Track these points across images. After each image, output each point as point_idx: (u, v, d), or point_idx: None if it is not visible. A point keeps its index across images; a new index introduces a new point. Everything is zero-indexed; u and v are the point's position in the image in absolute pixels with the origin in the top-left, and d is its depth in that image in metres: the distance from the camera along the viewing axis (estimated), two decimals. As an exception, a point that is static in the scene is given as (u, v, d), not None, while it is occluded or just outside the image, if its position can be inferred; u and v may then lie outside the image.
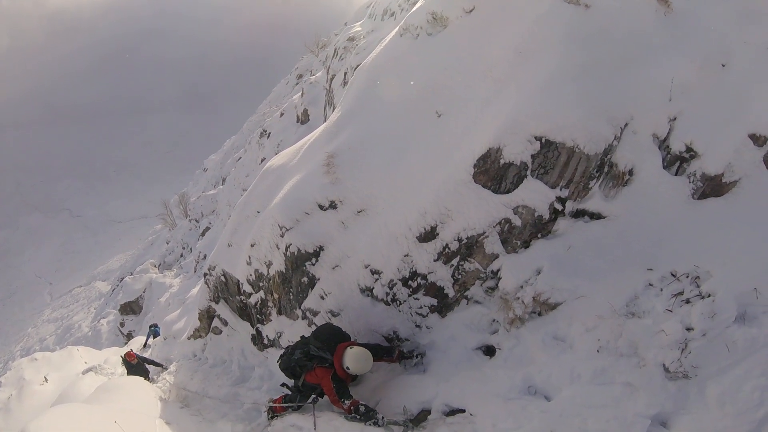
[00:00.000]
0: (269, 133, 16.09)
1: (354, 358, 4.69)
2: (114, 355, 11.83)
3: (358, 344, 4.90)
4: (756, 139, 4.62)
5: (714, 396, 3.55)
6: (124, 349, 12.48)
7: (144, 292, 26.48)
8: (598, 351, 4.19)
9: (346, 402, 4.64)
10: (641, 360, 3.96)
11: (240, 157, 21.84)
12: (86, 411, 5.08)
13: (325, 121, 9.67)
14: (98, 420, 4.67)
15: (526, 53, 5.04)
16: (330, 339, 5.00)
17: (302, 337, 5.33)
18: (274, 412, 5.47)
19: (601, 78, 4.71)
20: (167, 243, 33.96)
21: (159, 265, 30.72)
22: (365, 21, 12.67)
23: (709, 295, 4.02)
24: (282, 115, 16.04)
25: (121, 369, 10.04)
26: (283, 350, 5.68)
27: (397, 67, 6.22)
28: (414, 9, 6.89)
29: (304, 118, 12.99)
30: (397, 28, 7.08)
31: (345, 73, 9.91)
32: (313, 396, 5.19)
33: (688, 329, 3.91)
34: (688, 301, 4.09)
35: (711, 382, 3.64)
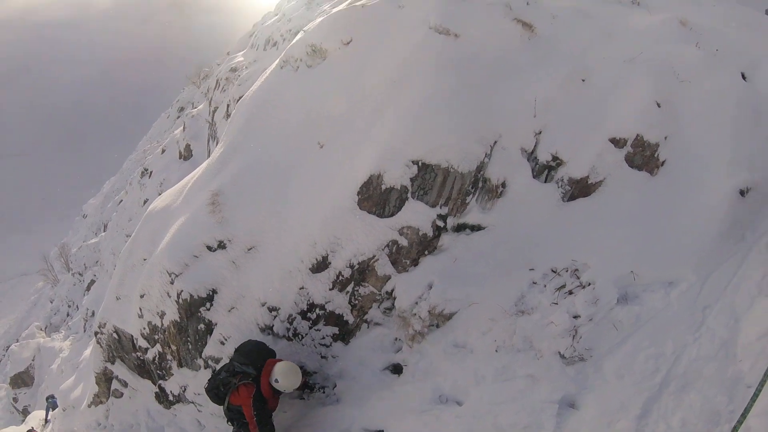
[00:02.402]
0: (151, 172, 15.06)
1: (284, 372, 4.50)
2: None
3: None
4: (616, 143, 5.20)
5: (611, 371, 3.95)
6: (23, 429, 10.85)
7: (33, 360, 23.43)
8: (496, 351, 4.50)
9: None
10: (537, 352, 4.31)
11: (121, 200, 20.16)
12: None
13: (209, 155, 9.32)
14: None
15: (400, 82, 5.31)
16: (253, 353, 4.74)
17: (230, 358, 5.01)
18: None
19: (470, 101, 5.10)
20: (51, 302, 30.21)
21: (46, 328, 27.21)
22: (247, 51, 12.52)
23: (589, 284, 4.51)
24: (163, 151, 15.13)
25: None
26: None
27: (278, 99, 6.22)
28: (294, 41, 6.98)
29: (186, 154, 12.35)
30: (278, 60, 7.10)
31: (228, 105, 9.67)
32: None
33: (575, 317, 4.35)
34: (571, 293, 4.55)
35: (606, 360, 4.04)
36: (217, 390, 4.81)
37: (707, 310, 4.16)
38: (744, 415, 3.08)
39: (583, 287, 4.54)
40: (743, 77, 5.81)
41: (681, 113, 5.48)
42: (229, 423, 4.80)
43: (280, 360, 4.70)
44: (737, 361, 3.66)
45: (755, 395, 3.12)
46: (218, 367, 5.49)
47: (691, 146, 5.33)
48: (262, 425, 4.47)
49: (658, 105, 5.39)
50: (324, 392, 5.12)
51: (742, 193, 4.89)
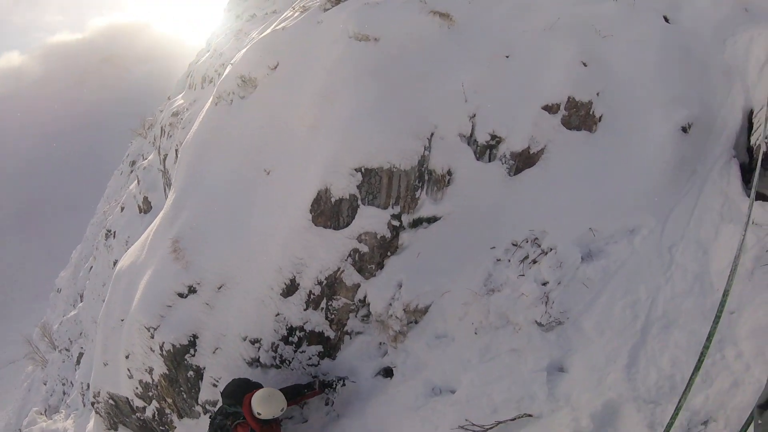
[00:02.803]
0: (114, 232, 14.75)
1: (260, 401, 4.36)
2: None
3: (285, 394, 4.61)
4: (550, 109, 5.32)
5: (591, 328, 4.01)
6: None
7: None
8: (476, 333, 4.58)
9: None
10: (515, 326, 4.40)
11: (91, 267, 19.66)
12: None
13: (167, 204, 9.25)
14: None
15: (329, 95, 5.40)
16: (236, 392, 4.64)
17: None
18: None
19: (400, 100, 5.19)
20: (45, 384, 29.05)
21: (45, 411, 26.16)
22: (186, 92, 12.43)
23: (551, 249, 4.63)
24: (123, 209, 14.86)
25: None
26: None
27: (218, 136, 6.25)
28: (223, 76, 7.02)
29: (146, 207, 12.19)
30: (211, 97, 7.12)
31: (176, 150, 9.59)
32: None
33: (543, 284, 4.46)
34: (535, 261, 4.67)
35: (584, 318, 4.11)
36: None
37: (673, 248, 4.26)
38: (709, 339, 3.13)
39: (546, 253, 4.66)
40: (666, 20, 6.01)
41: (609, 67, 5.64)
42: None
43: (253, 393, 4.58)
44: (714, 290, 3.77)
45: (716, 319, 3.16)
46: (214, 411, 5.49)
47: (625, 96, 5.48)
48: None
49: (584, 64, 5.57)
50: (344, 384, 5.05)
51: (684, 129, 5.04)
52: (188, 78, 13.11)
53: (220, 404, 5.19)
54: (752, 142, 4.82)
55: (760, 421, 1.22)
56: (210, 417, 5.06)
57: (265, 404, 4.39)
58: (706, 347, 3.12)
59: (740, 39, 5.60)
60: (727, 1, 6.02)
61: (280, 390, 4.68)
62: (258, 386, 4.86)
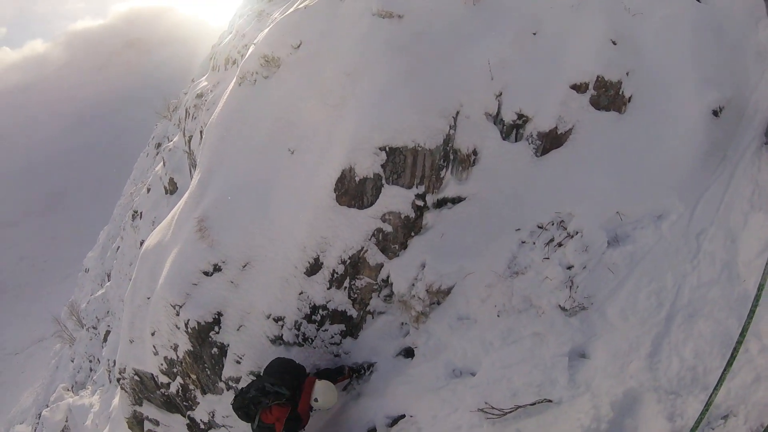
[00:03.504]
0: (141, 213, 15.02)
1: (325, 391, 4.53)
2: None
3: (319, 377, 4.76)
4: (578, 88, 5.22)
5: (615, 314, 3.94)
6: None
7: (66, 421, 23.25)
8: (498, 316, 4.55)
9: None
10: (538, 309, 4.36)
11: (118, 247, 20.12)
12: None
13: (192, 185, 9.35)
14: None
15: (354, 74, 5.35)
16: (284, 373, 4.69)
17: (256, 377, 5.06)
18: None
19: (425, 78, 5.13)
20: (72, 361, 30.12)
21: (72, 387, 27.15)
22: (210, 74, 12.44)
23: (577, 233, 4.55)
24: (149, 190, 15.09)
25: None
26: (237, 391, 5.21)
27: (242, 115, 6.26)
28: (246, 56, 7.00)
29: (172, 188, 12.35)
30: (235, 78, 7.13)
31: (201, 132, 9.67)
32: None
33: (568, 268, 4.39)
34: (560, 245, 4.59)
35: (608, 304, 4.04)
36: (246, 408, 4.74)
37: (701, 235, 4.14)
38: (742, 334, 3.07)
39: (571, 237, 4.59)
40: None
41: (639, 47, 5.50)
42: None
43: (317, 379, 4.70)
44: (741, 280, 3.65)
45: (750, 314, 3.11)
46: (242, 386, 5.58)
47: (656, 77, 5.35)
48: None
49: (614, 43, 5.43)
50: (372, 372, 5.13)
51: (715, 113, 4.91)
52: (211, 60, 13.13)
53: (244, 380, 5.28)
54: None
55: None
56: (238, 391, 5.12)
57: (329, 394, 4.54)
58: (739, 342, 3.04)
59: (774, 20, 5.35)
60: (763, -18, 5.74)
61: (315, 374, 4.79)
62: (302, 369, 4.90)
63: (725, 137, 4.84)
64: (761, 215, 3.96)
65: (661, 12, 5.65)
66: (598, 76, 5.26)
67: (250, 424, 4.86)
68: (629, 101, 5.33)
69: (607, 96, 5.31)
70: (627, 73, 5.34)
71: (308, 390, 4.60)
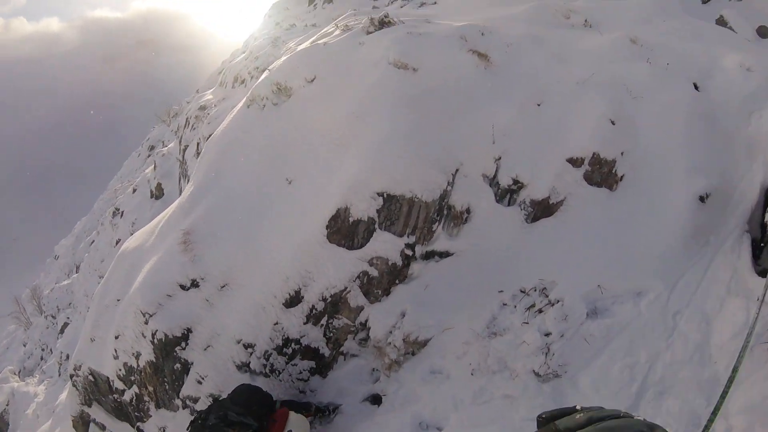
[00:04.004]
0: (122, 212, 14.83)
1: (299, 425, 4.30)
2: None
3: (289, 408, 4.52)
4: (574, 162, 5.39)
5: (587, 385, 3.99)
6: None
7: (7, 405, 22.19)
8: (472, 374, 4.54)
9: None
10: (513, 372, 4.36)
11: (93, 241, 19.74)
12: None
13: (180, 194, 9.30)
14: None
15: (362, 117, 5.48)
16: (252, 402, 4.39)
17: (215, 400, 4.85)
18: None
19: (430, 132, 5.27)
20: (24, 345, 29.01)
21: (19, 372, 26.00)
22: (216, 89, 12.59)
23: (558, 301, 4.61)
24: (135, 190, 14.96)
25: None
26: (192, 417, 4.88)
27: (246, 137, 6.32)
28: (260, 80, 7.13)
29: (158, 193, 12.26)
30: (244, 99, 7.23)
31: (198, 144, 9.69)
32: None
33: (546, 335, 4.43)
34: (540, 311, 4.65)
35: (581, 374, 4.09)
36: None
37: (677, 315, 4.27)
38: (714, 413, 3.12)
39: (552, 305, 4.66)
40: (696, 87, 6.10)
41: (636, 128, 5.73)
42: None
43: (289, 411, 4.48)
44: (713, 362, 3.77)
45: (723, 394, 3.17)
46: (200, 408, 5.39)
47: (648, 159, 5.55)
48: None
49: (612, 122, 5.65)
50: (336, 413, 4.99)
51: (701, 198, 5.08)
52: (220, 75, 13.32)
53: (203, 402, 5.10)
54: (766, 219, 4.84)
55: None
56: (195, 415, 4.74)
57: (302, 429, 4.34)
58: (711, 420, 3.09)
59: (766, 114, 5.67)
60: (758, 76, 6.11)
61: (282, 403, 4.64)
62: (270, 397, 4.69)
63: (709, 223, 5.01)
64: (737, 300, 4.12)
65: (660, 97, 5.89)
66: (594, 153, 5.45)
67: None
68: (621, 180, 5.51)
69: (601, 173, 5.50)
70: (622, 153, 5.54)
71: (281, 422, 4.33)
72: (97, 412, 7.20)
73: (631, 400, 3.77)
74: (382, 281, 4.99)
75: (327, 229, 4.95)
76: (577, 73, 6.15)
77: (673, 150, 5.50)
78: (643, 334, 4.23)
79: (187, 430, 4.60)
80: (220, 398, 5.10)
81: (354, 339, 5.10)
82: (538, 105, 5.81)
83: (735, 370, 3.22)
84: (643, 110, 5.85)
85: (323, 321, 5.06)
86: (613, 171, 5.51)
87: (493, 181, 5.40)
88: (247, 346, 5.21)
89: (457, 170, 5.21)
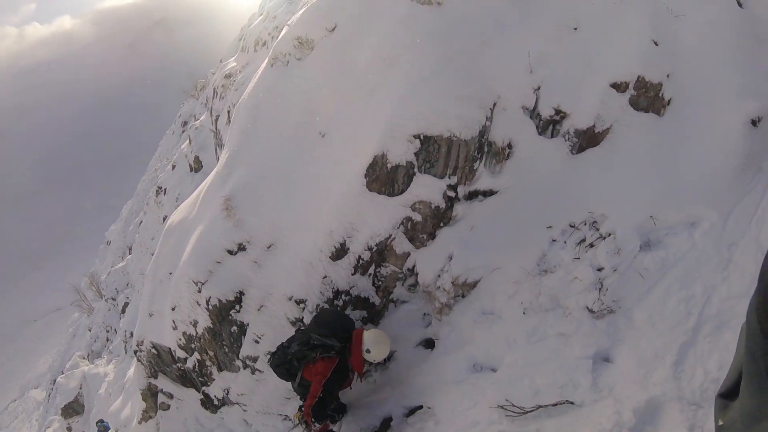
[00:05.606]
0: (165, 189, 15.28)
1: (376, 340, 4.30)
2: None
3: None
4: (618, 87, 5.11)
5: (642, 320, 3.89)
6: None
7: (81, 388, 24.02)
8: (524, 313, 4.48)
9: (317, 425, 4.41)
10: (565, 309, 4.28)
11: (141, 221, 20.52)
12: None
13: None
14: None
15: (390, 59, 5.27)
16: (336, 323, 4.45)
17: (298, 330, 4.90)
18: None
19: (463, 67, 5.04)
20: (89, 330, 31.00)
21: (88, 356, 27.97)
22: (239, 55, 12.49)
23: (609, 235, 4.46)
24: (174, 167, 15.31)
25: None
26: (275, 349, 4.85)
27: (274, 97, 6.23)
28: (280, 37, 6.96)
29: (197, 166, 12.50)
30: (267, 58, 7.09)
31: (228, 112, 9.71)
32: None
33: (599, 270, 4.31)
34: (592, 245, 4.51)
35: (636, 309, 3.99)
36: (288, 365, 4.44)
37: (733, 247, 4.09)
38: None
39: (604, 238, 4.49)
40: (739, 4, 5.62)
41: (680, 49, 5.36)
42: (302, 400, 4.48)
43: (365, 329, 4.47)
44: None
45: None
46: (258, 365, 5.61)
47: (696, 81, 5.21)
48: (323, 404, 4.28)
49: (656, 43, 5.27)
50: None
51: (753, 122, 4.78)
52: (241, 41, 13.19)
53: (257, 354, 5.21)
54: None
55: (721, 422, 1.06)
56: (277, 346, 4.69)
57: (381, 346, 4.34)
58: None
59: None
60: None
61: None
62: (351, 321, 4.69)
63: (762, 148, 4.73)
64: None
65: (702, 15, 5.47)
66: (638, 76, 5.12)
67: (290, 382, 4.59)
68: (668, 104, 5.19)
69: (647, 97, 5.17)
70: (667, 75, 5.20)
71: (358, 342, 4.37)
72: (163, 383, 7.62)
73: (687, 335, 3.65)
74: (427, 225, 4.91)
75: (365, 177, 4.87)
76: (612, -9, 5.69)
77: (720, 71, 5.13)
78: (698, 266, 4.06)
79: (268, 362, 4.76)
80: (300, 329, 5.06)
81: (403, 285, 5.10)
82: (574, 29, 5.44)
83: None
84: (685, 29, 5.43)
85: (371, 270, 5.07)
86: (660, 95, 5.16)
87: (533, 113, 5.14)
88: (299, 302, 5.31)
89: (494, 104, 4.97)
